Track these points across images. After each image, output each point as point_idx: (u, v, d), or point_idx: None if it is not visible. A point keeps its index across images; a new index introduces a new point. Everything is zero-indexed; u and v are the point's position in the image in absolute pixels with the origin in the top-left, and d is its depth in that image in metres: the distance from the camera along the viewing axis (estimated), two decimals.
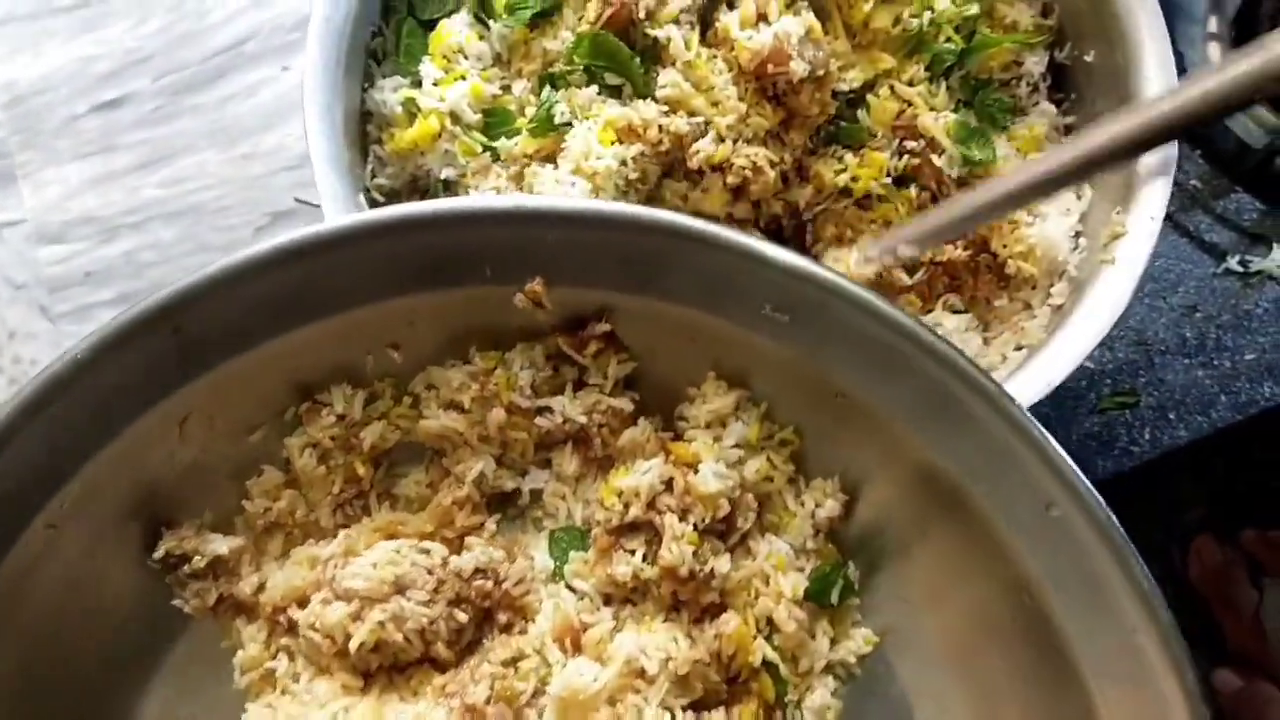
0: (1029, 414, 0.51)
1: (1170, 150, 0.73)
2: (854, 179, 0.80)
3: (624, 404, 0.66)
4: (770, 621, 0.62)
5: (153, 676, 0.62)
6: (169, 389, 0.58)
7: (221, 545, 0.62)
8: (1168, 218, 0.93)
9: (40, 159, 0.99)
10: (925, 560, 0.61)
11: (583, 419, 0.65)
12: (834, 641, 0.64)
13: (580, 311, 0.61)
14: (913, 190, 0.80)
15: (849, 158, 0.80)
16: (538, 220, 0.57)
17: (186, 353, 0.57)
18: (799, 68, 0.74)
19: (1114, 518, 0.49)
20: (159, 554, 0.61)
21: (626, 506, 0.62)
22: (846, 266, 0.76)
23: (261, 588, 0.62)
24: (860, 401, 0.57)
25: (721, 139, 0.77)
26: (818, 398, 0.59)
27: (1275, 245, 0.91)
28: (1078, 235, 0.78)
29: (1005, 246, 0.79)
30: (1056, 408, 0.89)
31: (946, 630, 0.61)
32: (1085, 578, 0.51)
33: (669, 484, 0.61)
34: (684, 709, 0.59)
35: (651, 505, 0.61)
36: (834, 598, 0.63)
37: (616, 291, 0.59)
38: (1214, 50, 0.96)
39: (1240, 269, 0.91)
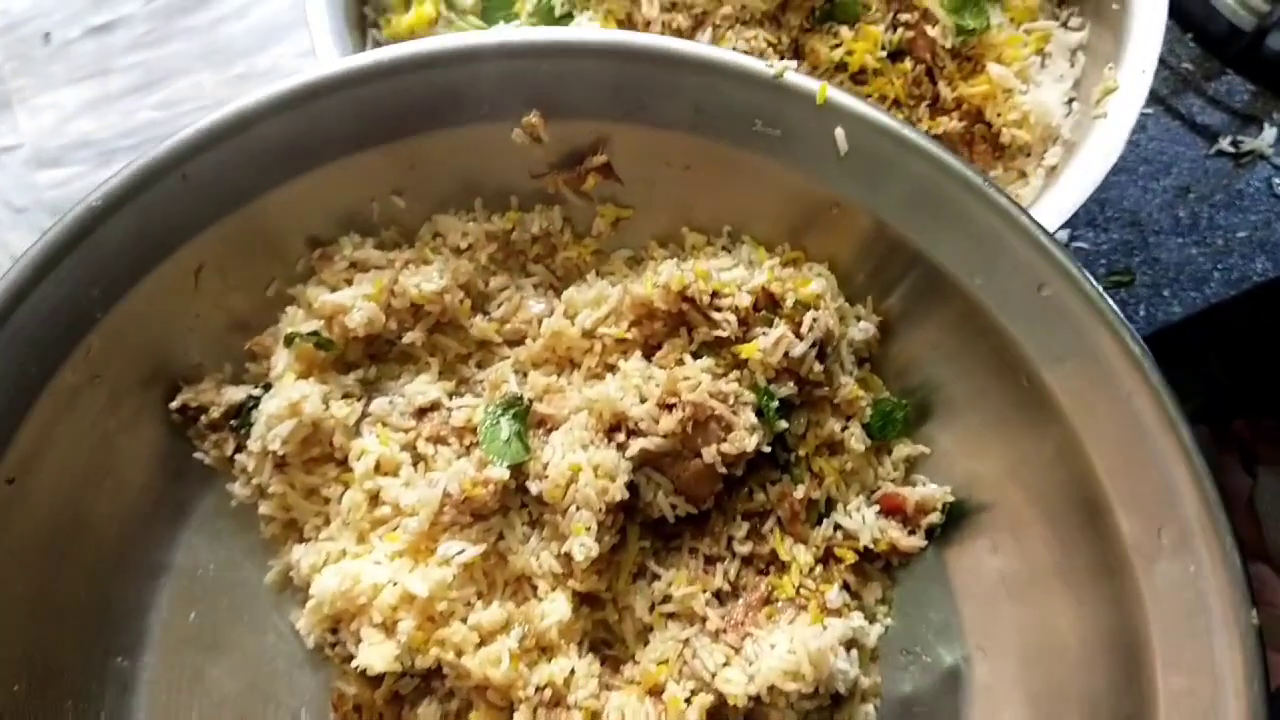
0: (1016, 202, 0.52)
1: (1160, 7, 0.74)
2: (849, 53, 0.80)
3: None
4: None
5: (181, 529, 0.63)
6: (183, 236, 0.58)
7: (238, 394, 0.62)
8: (1160, 101, 0.95)
9: (35, 84, 0.98)
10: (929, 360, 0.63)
11: None
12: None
13: (577, 147, 0.61)
14: (907, 63, 0.81)
15: (844, 32, 0.80)
16: (529, 53, 0.58)
17: (197, 199, 0.58)
18: None
19: (1103, 292, 0.50)
20: (176, 404, 0.61)
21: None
22: None
23: None
24: (853, 209, 0.58)
25: (717, 26, 0.78)
26: (812, 210, 0.60)
27: (1266, 125, 0.91)
28: (1070, 102, 0.79)
29: (999, 115, 0.79)
30: None
31: (957, 437, 0.63)
32: (1079, 350, 0.51)
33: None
34: None
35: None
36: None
37: (611, 121, 0.59)
38: None
39: (1232, 149, 0.91)
